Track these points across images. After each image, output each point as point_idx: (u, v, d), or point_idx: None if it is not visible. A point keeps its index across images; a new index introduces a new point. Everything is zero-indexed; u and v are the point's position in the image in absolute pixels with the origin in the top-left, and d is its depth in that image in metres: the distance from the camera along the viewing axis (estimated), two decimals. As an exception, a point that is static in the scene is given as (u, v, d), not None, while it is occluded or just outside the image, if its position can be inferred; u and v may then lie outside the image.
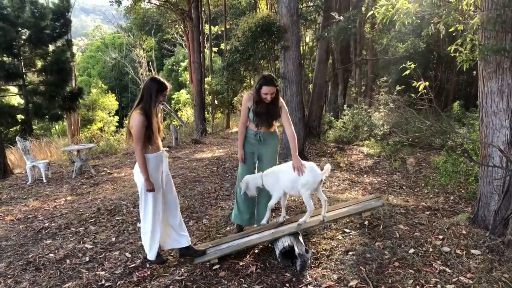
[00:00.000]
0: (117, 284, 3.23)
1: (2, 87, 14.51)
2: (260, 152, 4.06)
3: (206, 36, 21.85)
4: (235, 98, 21.47)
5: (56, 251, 3.98)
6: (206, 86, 18.48)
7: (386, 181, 6.35)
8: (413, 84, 3.95)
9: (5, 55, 13.98)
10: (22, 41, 14.30)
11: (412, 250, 3.54)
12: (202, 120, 16.41)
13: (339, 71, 13.69)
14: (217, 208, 5.26)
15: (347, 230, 4.07)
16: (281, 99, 3.97)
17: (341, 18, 9.27)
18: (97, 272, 3.45)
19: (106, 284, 3.23)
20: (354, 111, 11.13)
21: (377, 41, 15.84)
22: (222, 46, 23.96)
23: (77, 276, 3.41)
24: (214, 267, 3.44)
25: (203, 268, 3.42)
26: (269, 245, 3.79)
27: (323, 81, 10.93)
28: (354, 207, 4.04)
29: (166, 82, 3.44)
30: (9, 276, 3.46)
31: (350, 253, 3.56)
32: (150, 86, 3.34)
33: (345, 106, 12.51)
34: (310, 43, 20.59)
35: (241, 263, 3.52)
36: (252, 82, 18.79)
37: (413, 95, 4.20)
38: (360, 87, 18.46)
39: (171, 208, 3.58)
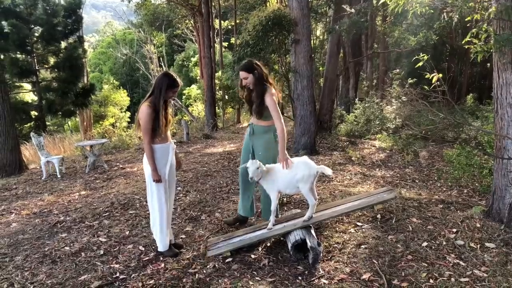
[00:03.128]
0: (131, 276, 3.27)
1: (16, 84, 14.73)
2: (253, 144, 4.09)
3: (216, 31, 21.83)
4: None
5: (71, 244, 4.04)
6: (216, 81, 18.50)
7: (398, 175, 6.30)
8: (425, 76, 3.90)
9: (18, 52, 14.18)
10: (35, 38, 14.48)
11: (425, 244, 3.52)
12: (213, 115, 16.44)
13: (350, 64, 13.60)
14: (229, 202, 5.29)
15: (359, 224, 4.06)
16: (271, 91, 3.91)
17: (352, 10, 9.19)
18: (112, 265, 3.50)
19: (121, 277, 3.27)
20: (366, 105, 11.05)
21: (389, 33, 15.69)
22: (232, 40, 23.91)
23: (92, 268, 3.46)
24: (227, 260, 3.47)
25: (216, 261, 3.44)
26: (281, 239, 3.80)
27: (334, 74, 10.87)
28: (366, 199, 4.02)
29: (178, 79, 3.47)
30: (26, 269, 3.53)
31: (363, 246, 3.56)
32: (161, 81, 3.39)
33: (356, 99, 12.43)
34: (321, 37, 20.47)
35: (253, 256, 3.54)
36: (262, 77, 18.75)
37: (426, 87, 4.16)
38: (372, 81, 18.31)
39: (170, 201, 3.67)
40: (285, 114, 15.60)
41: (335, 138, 9.76)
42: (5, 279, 3.36)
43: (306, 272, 3.21)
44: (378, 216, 4.19)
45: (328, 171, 3.62)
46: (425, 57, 3.90)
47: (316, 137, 8.80)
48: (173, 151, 3.61)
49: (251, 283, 3.06)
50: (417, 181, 5.93)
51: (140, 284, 3.12)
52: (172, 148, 3.59)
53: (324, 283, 3.01)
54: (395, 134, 9.22)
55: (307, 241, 3.32)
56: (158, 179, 3.38)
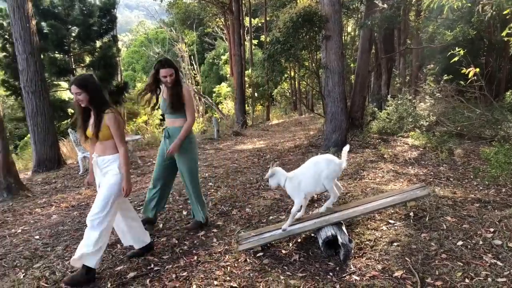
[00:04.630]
0: (165, 268, 3.36)
1: (54, 82, 15.29)
2: (167, 148, 4.01)
3: (246, 29, 21.93)
4: (275, 90, 21.48)
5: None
6: (246, 78, 18.59)
7: (432, 173, 6.16)
8: (461, 71, 3.81)
9: (56, 52, 14.71)
10: (71, 38, 14.97)
11: (460, 243, 3.44)
12: (243, 113, 16.55)
13: (382, 60, 13.35)
14: (259, 197, 5.33)
15: (391, 221, 4.01)
16: (185, 86, 4.00)
17: (385, 6, 9.02)
18: (146, 257, 3.60)
19: (155, 268, 3.36)
20: (398, 102, 10.82)
21: (423, 29, 15.28)
22: (262, 38, 23.97)
23: (128, 260, 3.57)
24: (258, 255, 3.50)
25: (248, 255, 3.48)
26: (312, 235, 3.81)
27: (366, 71, 10.70)
28: (399, 196, 3.96)
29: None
30: (66, 258, 3.69)
31: (395, 244, 3.51)
32: (97, 83, 3.30)
33: (388, 96, 12.19)
34: (352, 33, 20.19)
35: (284, 252, 3.56)
36: (292, 74, 18.73)
37: (462, 82, 4.05)
38: (405, 77, 17.90)
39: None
40: (315, 111, 15.56)
41: (367, 135, 9.62)
42: (47, 267, 3.52)
43: (337, 268, 3.21)
44: (411, 214, 4.13)
45: (345, 153, 3.82)
46: (461, 52, 3.80)
47: (347, 134, 8.70)
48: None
49: (281, 277, 3.09)
50: (451, 179, 5.77)
51: (173, 276, 3.20)
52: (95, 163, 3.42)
53: (356, 280, 2.99)
54: (428, 132, 9.00)
55: (338, 237, 3.32)
56: (131, 189, 3.30)
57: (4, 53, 13.81)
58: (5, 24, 13.64)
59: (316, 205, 4.73)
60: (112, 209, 3.25)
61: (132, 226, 3.56)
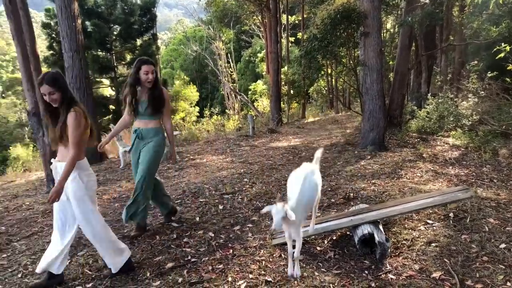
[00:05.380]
0: (202, 260, 3.44)
1: (97, 79, 15.88)
2: (141, 150, 3.98)
3: (283, 26, 21.90)
4: (312, 88, 21.34)
5: (147, 227, 4.32)
6: (282, 76, 18.58)
7: (474, 174, 5.95)
8: (507, 68, 3.66)
9: (99, 50, 15.27)
10: (113, 37, 15.48)
11: (503, 245, 3.33)
12: (278, 110, 16.55)
13: (423, 57, 12.98)
14: (294, 194, 5.33)
15: (429, 221, 3.92)
16: (164, 88, 4.04)
17: (427, 1, 8.78)
18: (184, 249, 3.71)
19: (192, 260, 3.46)
20: (439, 100, 10.49)
21: (467, 25, 14.71)
22: (299, 35, 23.84)
23: (166, 251, 3.69)
24: (292, 251, 3.52)
25: (282, 251, 3.51)
26: (347, 233, 3.79)
27: (405, 68, 10.45)
28: (439, 198, 3.85)
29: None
30: (108, 248, 3.85)
31: (433, 244, 3.44)
32: (65, 80, 3.01)
33: (429, 94, 11.84)
34: (392, 30, 19.73)
35: (319, 248, 3.57)
36: (329, 71, 18.54)
37: (508, 79, 3.90)
38: (446, 75, 17.30)
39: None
40: (352, 109, 15.34)
41: (405, 134, 9.39)
42: (90, 255, 3.69)
43: (373, 266, 3.18)
44: (451, 214, 4.02)
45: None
46: (507, 48, 3.66)
47: (385, 132, 8.54)
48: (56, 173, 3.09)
49: (316, 273, 3.10)
50: (495, 180, 5.56)
51: (210, 268, 3.28)
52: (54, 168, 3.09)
53: (392, 279, 2.96)
54: (471, 131, 8.68)
55: (375, 235, 3.29)
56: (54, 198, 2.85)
57: (51, 51, 14.49)
58: (52, 23, 14.31)
59: (352, 204, 4.68)
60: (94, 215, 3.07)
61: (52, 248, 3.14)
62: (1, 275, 3.41)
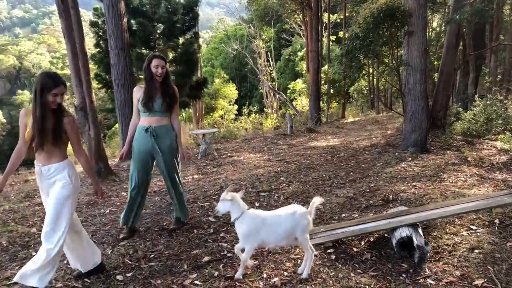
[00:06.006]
0: (237, 256, 3.48)
1: (140, 76, 16.34)
2: (159, 148, 3.95)
3: (324, 25, 21.67)
4: (352, 88, 20.99)
5: (185, 221, 4.43)
6: (322, 75, 18.39)
7: (523, 179, 5.67)
8: None
9: (143, 48, 15.71)
10: (157, 35, 15.87)
11: (552, 255, 3.15)
12: (317, 109, 16.40)
13: (470, 57, 12.47)
14: (331, 195, 5.29)
15: (473, 227, 3.77)
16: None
17: (476, -2, 8.42)
18: (220, 243, 3.77)
19: (228, 255, 3.50)
20: (487, 102, 10.04)
21: (519, 23, 13.99)
22: (341, 34, 23.54)
23: (203, 245, 3.76)
24: (329, 251, 3.50)
25: (318, 250, 3.50)
26: (385, 235, 3.72)
27: (451, 68, 10.08)
28: (483, 202, 3.71)
29: (57, 78, 2.80)
30: (147, 239, 3.98)
31: (476, 251, 3.31)
32: (36, 83, 2.75)
33: (476, 96, 11.35)
34: (438, 29, 19.08)
35: (355, 250, 3.52)
36: (371, 70, 18.17)
37: None
38: (496, 76, 16.52)
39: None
40: (394, 110, 14.96)
41: (449, 136, 9.06)
42: (131, 246, 3.83)
43: (411, 270, 3.10)
44: (496, 220, 3.85)
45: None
46: None
47: (428, 134, 8.28)
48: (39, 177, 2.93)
49: (352, 274, 3.06)
50: (546, 187, 5.27)
51: (245, 263, 3.32)
52: (38, 173, 2.92)
53: (431, 284, 2.88)
54: (521, 135, 8.26)
55: (414, 239, 3.20)
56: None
57: (98, 49, 15.06)
58: (99, 22, 14.87)
59: (391, 206, 4.59)
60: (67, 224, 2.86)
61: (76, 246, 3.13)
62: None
